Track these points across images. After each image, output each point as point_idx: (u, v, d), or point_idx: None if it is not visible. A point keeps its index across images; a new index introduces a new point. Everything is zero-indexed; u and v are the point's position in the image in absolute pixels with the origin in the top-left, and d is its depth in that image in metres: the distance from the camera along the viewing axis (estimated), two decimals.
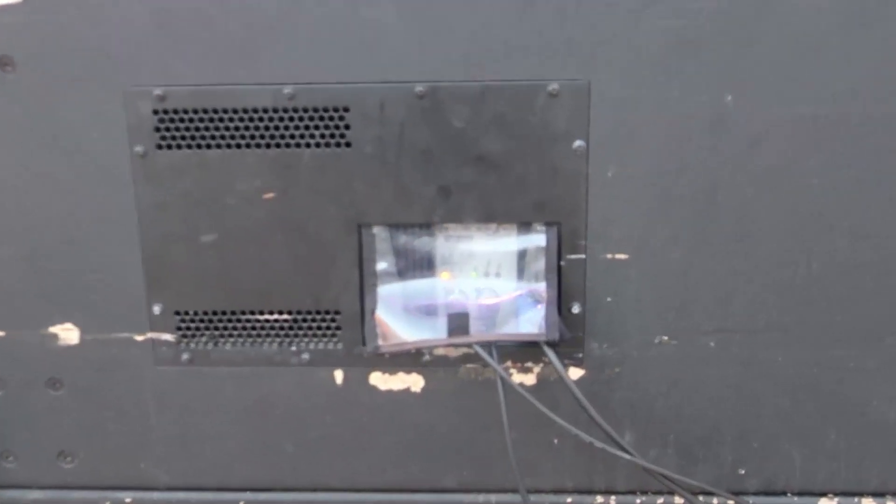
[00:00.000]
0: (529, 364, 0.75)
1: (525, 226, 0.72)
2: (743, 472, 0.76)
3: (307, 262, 0.74)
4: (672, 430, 0.76)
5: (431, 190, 0.71)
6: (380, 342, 0.72)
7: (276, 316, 0.76)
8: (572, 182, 0.70)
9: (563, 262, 0.71)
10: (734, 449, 0.76)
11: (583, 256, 0.72)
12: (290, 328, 0.77)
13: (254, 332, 0.77)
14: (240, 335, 0.77)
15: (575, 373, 0.75)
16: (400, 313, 0.73)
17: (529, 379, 0.76)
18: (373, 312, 0.73)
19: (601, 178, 0.70)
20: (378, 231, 0.73)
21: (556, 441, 0.77)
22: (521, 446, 0.75)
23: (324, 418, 0.78)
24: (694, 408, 0.75)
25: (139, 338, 0.77)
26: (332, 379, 0.77)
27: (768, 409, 0.75)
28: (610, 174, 0.70)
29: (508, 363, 0.75)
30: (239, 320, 0.77)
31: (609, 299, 0.73)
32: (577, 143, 0.69)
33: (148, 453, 0.80)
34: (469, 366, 0.76)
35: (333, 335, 0.76)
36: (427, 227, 0.73)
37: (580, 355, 0.75)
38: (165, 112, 0.71)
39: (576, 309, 0.73)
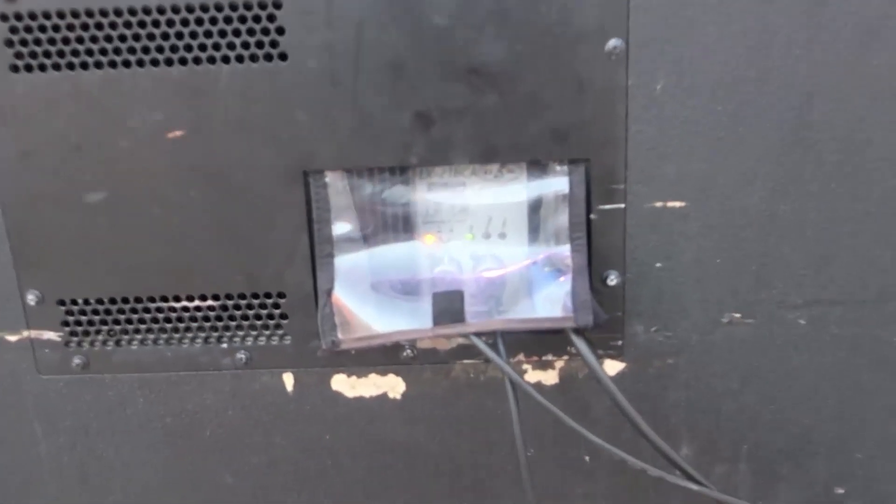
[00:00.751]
0: (549, 357, 0.55)
1: (539, 166, 0.51)
2: (842, 491, 0.57)
3: (236, 227, 0.53)
4: (745, 439, 0.56)
5: (405, 118, 0.50)
6: (339, 334, 0.51)
7: (197, 303, 0.55)
8: (606, 100, 0.49)
9: (593, 216, 0.51)
10: (830, 462, 0.56)
11: (621, 206, 0.51)
12: (219, 319, 0.56)
13: (169, 327, 0.56)
14: (150, 331, 0.56)
15: (612, 367, 0.55)
16: (367, 294, 0.52)
17: (549, 378, 0.56)
18: (329, 293, 0.52)
19: (647, 92, 0.49)
20: (332, 180, 0.52)
21: (587, 460, 0.57)
22: (538, 469, 0.56)
23: (271, 439, 0.58)
24: (775, 409, 0.55)
25: (12, 337, 0.56)
26: (281, 385, 0.57)
27: (879, 407, 0.55)
28: (659, 87, 0.49)
29: (520, 357, 0.55)
30: (147, 310, 0.56)
31: (658, 265, 0.52)
32: (613, 42, 0.48)
33: (36, 490, 0.60)
34: (465, 362, 0.55)
35: (278, 327, 0.55)
36: (401, 171, 0.52)
37: (619, 343, 0.54)
38: (19, 18, 0.49)
39: (612, 280, 0.53)
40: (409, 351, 0.55)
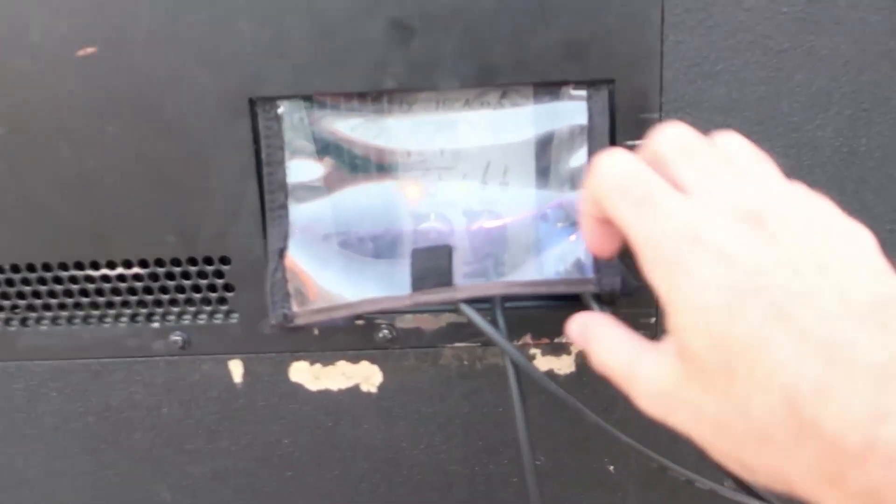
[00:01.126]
0: (563, 340, 0.43)
1: (549, 90, 0.40)
2: None
3: (165, 174, 0.42)
4: None
5: (378, 28, 0.39)
6: (294, 306, 0.40)
7: (120, 271, 0.44)
8: (636, 1, 0.38)
9: None
10: None
11: None
12: (148, 292, 0.44)
13: (86, 302, 0.45)
14: (63, 307, 0.45)
15: None
16: (330, 254, 0.41)
17: (564, 365, 0.44)
18: (281, 254, 0.41)
19: None
20: (287, 110, 0.41)
21: (611, 470, 0.46)
22: (549, 480, 0.44)
23: (216, 443, 0.47)
24: None
25: None
26: (226, 375, 0.45)
27: None
28: None
29: (526, 339, 0.44)
30: (58, 281, 0.44)
31: None
32: None
33: None
34: (457, 346, 0.44)
35: (221, 301, 0.44)
36: (374, 99, 0.41)
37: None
38: None
39: None
40: (386, 331, 0.44)
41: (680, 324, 0.24)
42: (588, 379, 0.44)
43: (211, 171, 0.41)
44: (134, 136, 0.41)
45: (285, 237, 0.41)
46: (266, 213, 0.42)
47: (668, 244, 0.24)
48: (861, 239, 0.25)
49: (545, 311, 0.43)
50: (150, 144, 0.41)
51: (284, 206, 0.41)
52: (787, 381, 0.21)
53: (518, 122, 0.41)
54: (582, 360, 0.44)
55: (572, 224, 0.40)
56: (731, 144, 0.28)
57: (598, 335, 0.29)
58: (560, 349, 0.44)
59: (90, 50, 0.40)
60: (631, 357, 0.27)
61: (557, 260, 0.40)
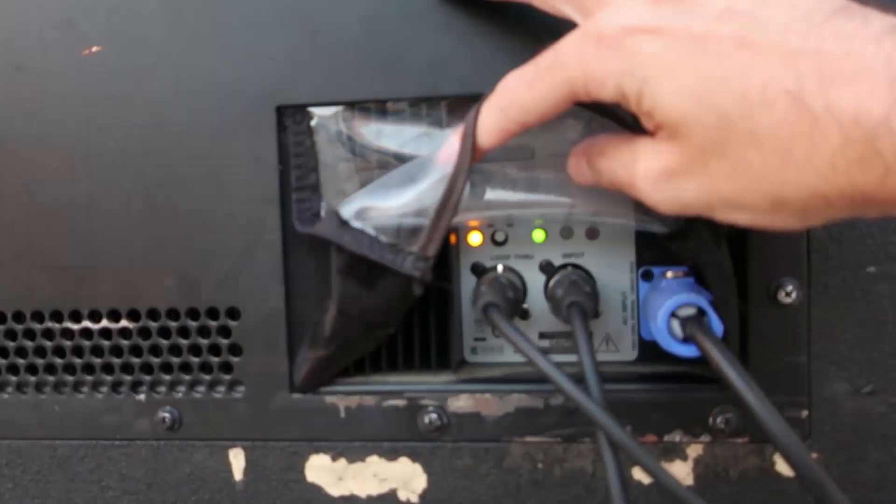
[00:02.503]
0: (677, 438, 0.32)
1: None
2: None
3: (167, 198, 0.33)
4: None
5: (433, 20, 0.31)
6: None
7: (104, 324, 0.35)
8: None
9: None
10: None
11: None
12: (136, 353, 0.35)
13: (59, 364, 0.35)
14: (30, 369, 0.36)
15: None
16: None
17: (678, 473, 0.32)
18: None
19: None
20: (322, 121, 0.33)
21: None
22: None
23: None
24: None
25: None
26: (224, 469, 0.35)
27: None
28: None
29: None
30: (30, 334, 0.35)
31: (872, 269, 0.30)
32: None
33: None
34: (531, 440, 0.33)
35: (225, 368, 0.34)
36: (430, 108, 0.32)
37: (804, 413, 0.31)
38: None
39: (789, 294, 0.30)
40: (433, 415, 0.33)
41: (658, 107, 0.23)
42: (711, 492, 0.31)
43: (224, 195, 0.33)
44: (133, 151, 0.33)
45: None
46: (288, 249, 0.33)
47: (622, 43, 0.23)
48: None
49: (648, 394, 0.31)
50: (152, 162, 0.33)
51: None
52: (787, 85, 0.21)
53: None
54: (702, 469, 0.32)
55: None
56: None
57: (592, 153, 0.28)
58: (673, 452, 0.32)
59: (95, 49, 0.33)
60: (628, 158, 0.26)
61: None
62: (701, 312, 0.28)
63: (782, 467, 0.31)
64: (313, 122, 0.33)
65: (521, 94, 0.26)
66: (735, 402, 0.31)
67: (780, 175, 0.22)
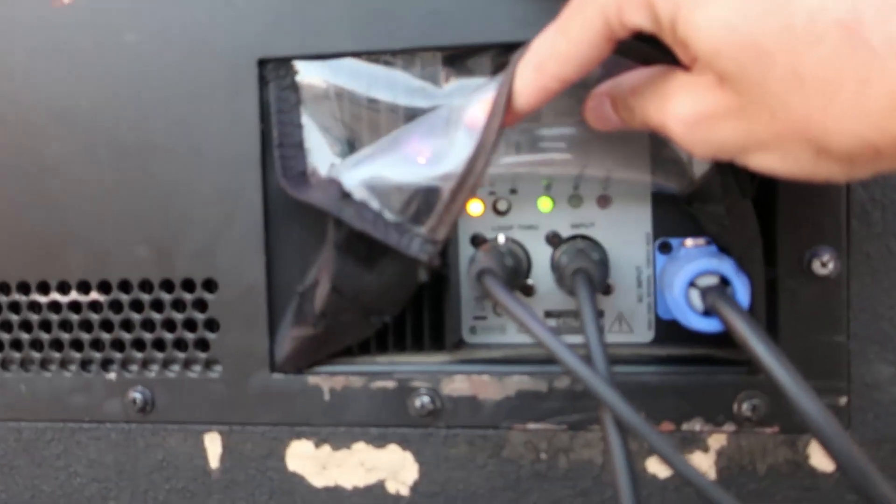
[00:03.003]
0: (697, 427, 0.28)
1: None
2: None
3: (140, 162, 0.31)
4: None
5: None
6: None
7: (73, 297, 0.32)
8: None
9: None
10: None
11: None
12: (106, 328, 0.32)
13: (25, 339, 0.33)
14: None
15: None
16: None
17: (699, 463, 0.28)
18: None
19: None
20: (306, 76, 0.30)
21: None
22: None
23: None
24: None
25: None
26: (199, 455, 0.32)
27: None
28: None
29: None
30: None
31: None
32: None
33: None
34: (532, 427, 0.29)
35: (201, 345, 0.31)
36: (425, 63, 0.30)
37: (844, 399, 0.27)
38: None
39: (826, 265, 0.27)
40: (425, 398, 0.30)
41: (693, 37, 0.21)
42: (734, 483, 0.28)
43: (201, 157, 0.30)
44: (105, 109, 0.31)
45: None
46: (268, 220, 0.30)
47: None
48: None
49: (665, 378, 0.28)
50: (125, 120, 0.31)
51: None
52: (840, 15, 0.18)
53: None
54: (725, 459, 0.28)
55: None
56: None
57: (620, 92, 0.25)
58: (692, 442, 0.28)
59: (66, 0, 0.31)
60: (661, 95, 0.23)
61: None
62: (724, 282, 0.25)
63: (818, 461, 0.28)
64: (298, 77, 0.30)
65: (556, 44, 0.24)
66: (763, 386, 0.27)
67: (824, 119, 0.20)
